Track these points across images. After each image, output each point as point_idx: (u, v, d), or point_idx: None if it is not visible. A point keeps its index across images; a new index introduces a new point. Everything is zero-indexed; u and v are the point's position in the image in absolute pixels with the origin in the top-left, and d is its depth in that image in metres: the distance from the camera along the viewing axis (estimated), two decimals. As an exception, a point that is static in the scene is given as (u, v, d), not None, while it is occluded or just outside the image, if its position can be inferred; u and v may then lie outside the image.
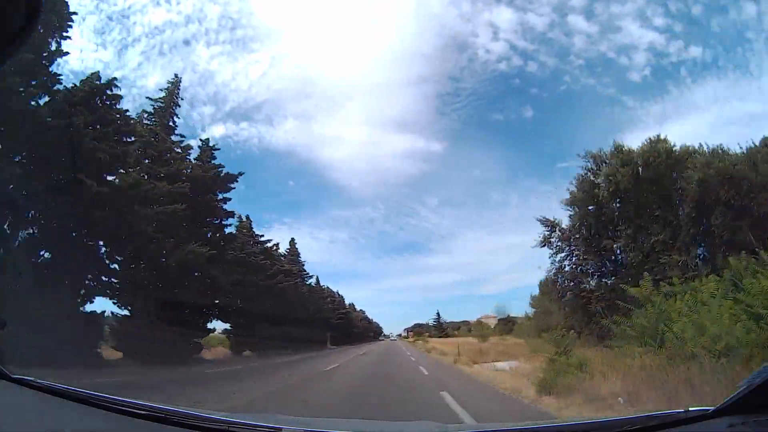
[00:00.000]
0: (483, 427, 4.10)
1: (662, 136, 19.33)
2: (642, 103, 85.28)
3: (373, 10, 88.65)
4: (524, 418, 5.94)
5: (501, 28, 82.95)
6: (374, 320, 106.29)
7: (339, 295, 71.62)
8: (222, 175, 22.53)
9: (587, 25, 75.15)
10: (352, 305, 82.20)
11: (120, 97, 16.57)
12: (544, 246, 21.99)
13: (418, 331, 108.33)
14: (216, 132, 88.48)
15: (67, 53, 15.50)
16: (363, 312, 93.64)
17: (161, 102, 22.71)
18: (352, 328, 71.30)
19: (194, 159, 22.75)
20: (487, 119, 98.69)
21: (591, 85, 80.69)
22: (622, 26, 71.90)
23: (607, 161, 20.33)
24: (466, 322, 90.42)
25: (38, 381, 2.07)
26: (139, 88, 63.72)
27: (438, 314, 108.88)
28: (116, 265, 17.08)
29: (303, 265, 44.38)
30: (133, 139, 17.97)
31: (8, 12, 1.17)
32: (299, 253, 45.37)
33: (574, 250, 21.53)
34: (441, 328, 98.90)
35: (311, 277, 47.32)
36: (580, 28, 74.55)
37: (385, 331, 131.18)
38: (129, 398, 1.99)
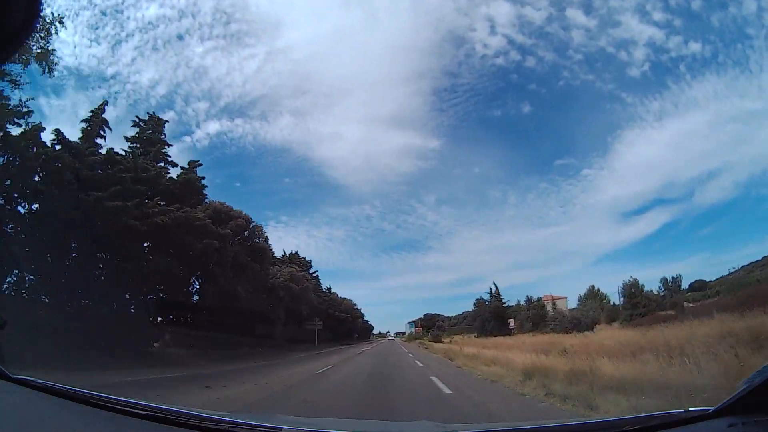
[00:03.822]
0: (483, 427, 4.09)
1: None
2: (641, 100, 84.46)
3: (369, 3, 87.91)
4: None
5: (498, 22, 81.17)
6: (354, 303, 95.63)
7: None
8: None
9: (586, 19, 73.93)
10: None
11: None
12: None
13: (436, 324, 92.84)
14: (210, 128, 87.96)
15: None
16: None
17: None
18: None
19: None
20: (485, 116, 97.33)
21: (590, 81, 79.40)
22: (622, 21, 70.82)
23: None
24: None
25: (38, 381, 2.07)
26: (132, 83, 63.69)
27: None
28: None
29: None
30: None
31: (8, 12, 1.18)
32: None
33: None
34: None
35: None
36: (578, 23, 73.35)
37: (380, 330, 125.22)
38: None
